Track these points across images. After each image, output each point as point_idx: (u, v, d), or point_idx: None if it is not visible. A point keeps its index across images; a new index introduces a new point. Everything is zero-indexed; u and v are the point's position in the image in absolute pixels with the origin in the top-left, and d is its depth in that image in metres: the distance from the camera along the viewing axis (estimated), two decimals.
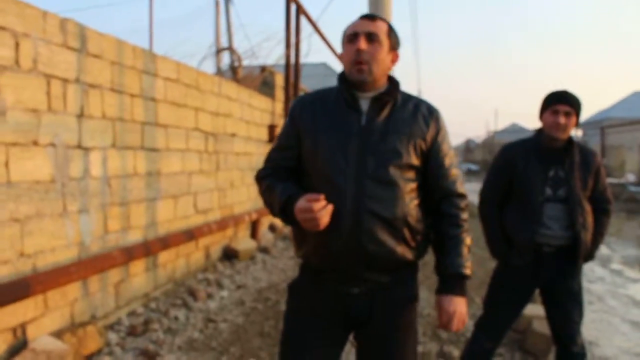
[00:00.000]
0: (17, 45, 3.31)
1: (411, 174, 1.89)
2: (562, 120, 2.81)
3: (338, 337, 1.99)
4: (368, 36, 1.88)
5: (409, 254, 1.90)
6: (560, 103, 2.83)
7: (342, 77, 1.98)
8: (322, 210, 1.73)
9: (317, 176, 1.89)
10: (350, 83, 1.93)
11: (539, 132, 2.99)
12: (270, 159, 2.07)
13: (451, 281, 1.92)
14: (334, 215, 1.80)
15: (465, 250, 1.93)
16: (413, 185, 1.90)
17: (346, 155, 1.84)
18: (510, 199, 3.00)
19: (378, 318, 1.92)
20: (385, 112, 1.90)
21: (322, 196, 1.74)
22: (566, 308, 2.94)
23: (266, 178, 2.02)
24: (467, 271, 1.91)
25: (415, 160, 1.89)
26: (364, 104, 1.92)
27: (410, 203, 1.87)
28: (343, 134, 1.87)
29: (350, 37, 1.90)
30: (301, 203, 1.76)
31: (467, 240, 1.95)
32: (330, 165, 1.85)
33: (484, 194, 3.12)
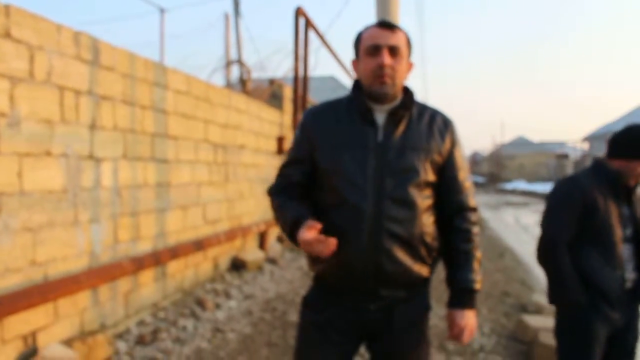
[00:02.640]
0: (31, 57, 3.39)
1: (428, 191, 1.88)
2: None
3: (352, 349, 2.00)
4: (391, 50, 1.81)
5: (424, 271, 1.90)
6: None
7: (357, 86, 1.92)
8: (321, 245, 1.65)
9: (332, 193, 1.83)
10: (365, 93, 1.88)
11: (605, 165, 2.64)
12: (282, 174, 2.00)
13: (463, 295, 1.93)
14: (351, 234, 1.79)
15: (476, 265, 1.94)
16: (429, 202, 1.88)
17: (364, 174, 1.80)
18: (581, 238, 2.60)
19: (393, 330, 1.92)
20: (402, 127, 1.85)
21: (319, 226, 1.68)
22: (633, 355, 2.67)
23: (278, 195, 1.96)
24: (478, 286, 1.93)
25: (431, 177, 1.87)
26: (379, 117, 1.86)
27: (427, 221, 1.86)
28: (359, 150, 1.82)
29: (372, 49, 1.82)
30: (302, 234, 1.70)
31: (478, 254, 1.96)
32: (347, 183, 1.80)
33: (553, 235, 2.62)
